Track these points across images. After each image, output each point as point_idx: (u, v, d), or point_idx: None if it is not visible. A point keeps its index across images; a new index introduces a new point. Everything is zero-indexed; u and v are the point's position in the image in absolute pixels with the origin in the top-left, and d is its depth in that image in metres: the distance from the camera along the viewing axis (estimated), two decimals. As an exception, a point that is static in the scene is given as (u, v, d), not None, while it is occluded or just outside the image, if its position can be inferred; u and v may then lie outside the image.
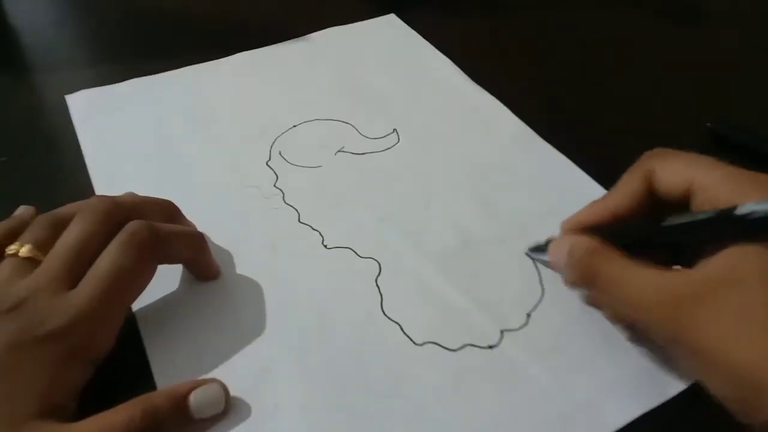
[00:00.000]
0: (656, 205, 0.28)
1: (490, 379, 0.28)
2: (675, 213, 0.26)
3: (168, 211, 0.32)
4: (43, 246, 0.27)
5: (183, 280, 0.32)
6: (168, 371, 0.28)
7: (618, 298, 0.26)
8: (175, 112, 0.42)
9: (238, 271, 0.32)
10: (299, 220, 0.35)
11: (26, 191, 0.37)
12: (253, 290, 0.32)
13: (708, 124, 0.41)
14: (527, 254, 0.33)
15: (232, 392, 0.27)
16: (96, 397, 0.26)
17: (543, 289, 0.32)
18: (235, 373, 0.28)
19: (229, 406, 0.27)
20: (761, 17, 0.55)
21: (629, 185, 0.28)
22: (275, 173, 0.38)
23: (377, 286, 0.32)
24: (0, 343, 0.24)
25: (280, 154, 0.39)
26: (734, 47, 0.51)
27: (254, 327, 0.30)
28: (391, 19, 0.53)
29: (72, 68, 0.48)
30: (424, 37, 0.50)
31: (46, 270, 0.26)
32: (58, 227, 0.28)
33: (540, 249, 0.32)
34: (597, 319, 0.30)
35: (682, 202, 0.27)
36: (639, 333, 0.29)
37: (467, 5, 0.55)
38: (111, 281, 0.26)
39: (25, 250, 0.27)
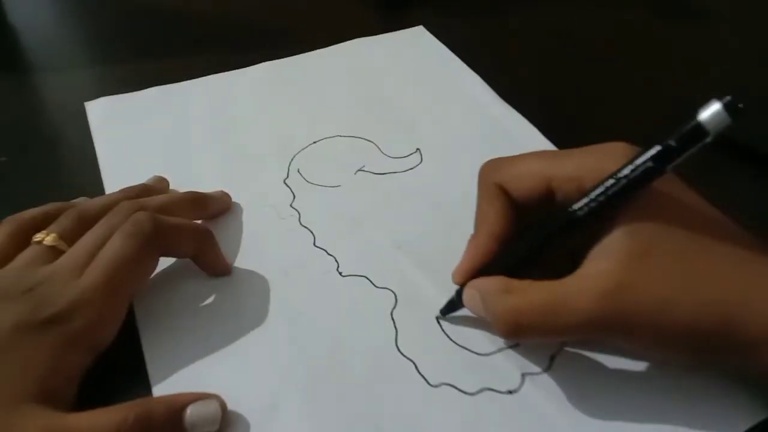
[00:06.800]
0: (519, 215, 0.28)
1: (508, 428, 0.26)
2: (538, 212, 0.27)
3: (196, 203, 0.34)
4: (68, 237, 0.29)
5: (191, 293, 0.31)
6: (163, 378, 0.28)
7: (555, 325, 0.24)
8: (194, 123, 0.41)
9: (248, 296, 0.31)
10: (314, 244, 0.34)
11: (26, 191, 0.37)
12: (261, 318, 0.30)
13: (708, 123, 0.41)
14: (438, 318, 0.30)
15: (236, 429, 0.26)
16: (92, 392, 0.26)
17: None
18: (239, 407, 0.26)
19: (225, 426, 0.26)
20: (761, 16, 0.55)
21: (491, 209, 0.28)
22: (292, 192, 0.37)
23: (392, 319, 0.30)
24: (7, 323, 0.25)
25: (298, 171, 0.38)
26: (733, 47, 0.51)
27: (261, 358, 0.28)
28: (419, 31, 0.50)
29: (71, 68, 0.48)
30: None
31: (67, 260, 0.27)
32: (84, 220, 0.29)
33: (452, 305, 0.29)
34: (627, 364, 0.28)
35: (540, 203, 0.27)
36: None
37: (467, 5, 0.55)
38: (112, 270, 0.27)
39: (50, 239, 0.28)
